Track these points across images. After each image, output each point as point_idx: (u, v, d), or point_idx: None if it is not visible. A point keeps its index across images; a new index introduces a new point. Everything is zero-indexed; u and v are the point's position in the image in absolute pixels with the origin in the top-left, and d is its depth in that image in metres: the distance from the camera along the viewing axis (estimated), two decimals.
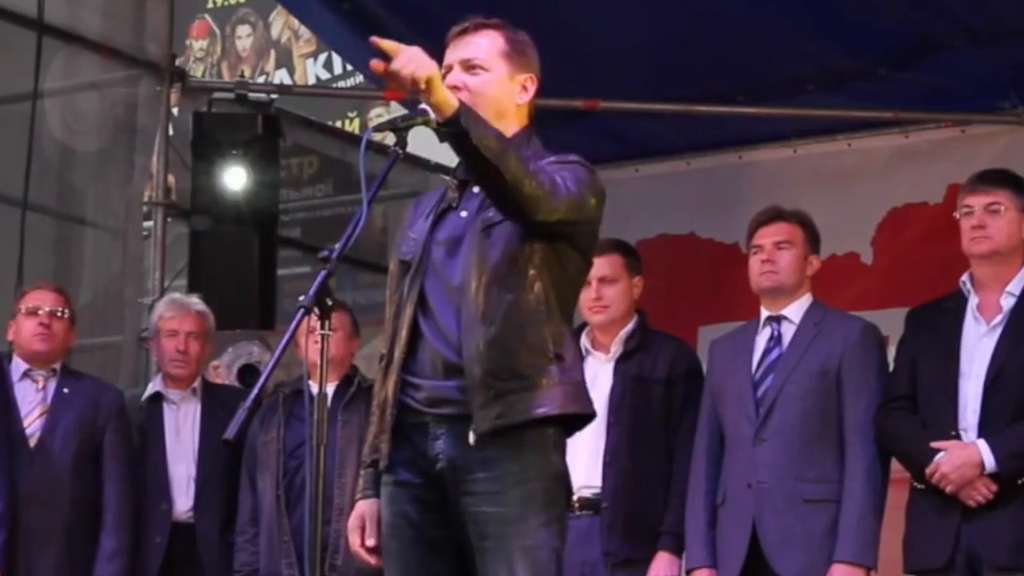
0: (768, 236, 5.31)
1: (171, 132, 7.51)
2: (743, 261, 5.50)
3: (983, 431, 4.89)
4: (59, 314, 5.89)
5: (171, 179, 7.61)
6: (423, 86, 3.55)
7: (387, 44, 3.56)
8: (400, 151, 3.79)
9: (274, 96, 7.87)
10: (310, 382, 3.83)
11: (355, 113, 12.65)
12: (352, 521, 4.00)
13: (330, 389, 5.34)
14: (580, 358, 3.93)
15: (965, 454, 4.85)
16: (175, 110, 7.61)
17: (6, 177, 6.94)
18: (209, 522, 5.99)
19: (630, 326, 5.55)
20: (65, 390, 5.88)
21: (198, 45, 13.76)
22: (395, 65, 3.54)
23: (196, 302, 6.24)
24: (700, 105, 7.33)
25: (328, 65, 12.98)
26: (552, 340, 3.76)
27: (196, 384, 6.13)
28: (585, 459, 5.28)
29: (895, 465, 5.16)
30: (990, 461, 4.82)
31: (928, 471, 4.90)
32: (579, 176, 3.80)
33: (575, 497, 5.25)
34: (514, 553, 3.71)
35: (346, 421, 5.76)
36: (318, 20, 7.93)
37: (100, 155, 7.34)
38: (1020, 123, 7.12)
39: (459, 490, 3.77)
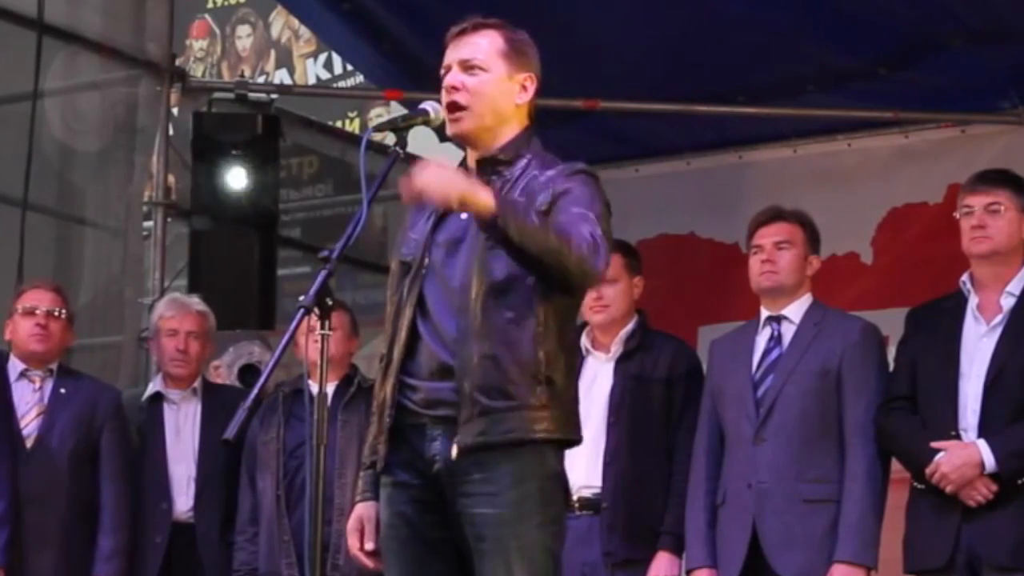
0: (768, 236, 5.31)
1: (171, 132, 7.51)
2: (743, 261, 5.50)
3: (983, 431, 4.89)
4: (56, 314, 5.87)
5: (171, 179, 7.61)
6: (457, 207, 3.58)
7: (414, 183, 3.58)
8: (400, 151, 3.80)
9: (274, 96, 7.87)
10: (310, 382, 3.83)
11: (355, 113, 12.66)
12: (351, 524, 4.00)
13: (330, 389, 5.34)
14: (575, 379, 3.91)
15: (965, 454, 4.85)
16: (175, 110, 7.61)
17: (6, 177, 6.94)
18: (209, 522, 5.99)
19: (630, 326, 5.55)
20: (62, 390, 5.86)
21: (198, 45, 13.77)
22: (423, 186, 3.56)
23: (196, 302, 6.24)
24: (700, 105, 7.33)
25: (328, 65, 12.98)
26: (545, 362, 3.75)
27: (196, 384, 6.12)
28: (585, 459, 5.28)
29: (895, 465, 5.16)
30: (990, 461, 4.82)
31: (928, 471, 4.90)
32: (596, 209, 3.77)
33: (575, 497, 5.27)
34: (511, 554, 3.71)
35: (346, 421, 5.76)
36: (318, 20, 7.94)
37: (100, 155, 7.34)
38: (1020, 123, 7.13)
39: (456, 491, 3.76)
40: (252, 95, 7.63)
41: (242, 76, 9.70)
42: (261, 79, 12.70)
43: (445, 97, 3.85)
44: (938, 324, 5.10)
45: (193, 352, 6.10)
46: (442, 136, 3.98)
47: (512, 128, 3.89)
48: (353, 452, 5.60)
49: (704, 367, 5.53)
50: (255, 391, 3.48)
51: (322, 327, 3.57)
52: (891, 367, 5.22)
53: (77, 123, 7.23)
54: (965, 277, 5.09)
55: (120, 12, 7.39)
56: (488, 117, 3.85)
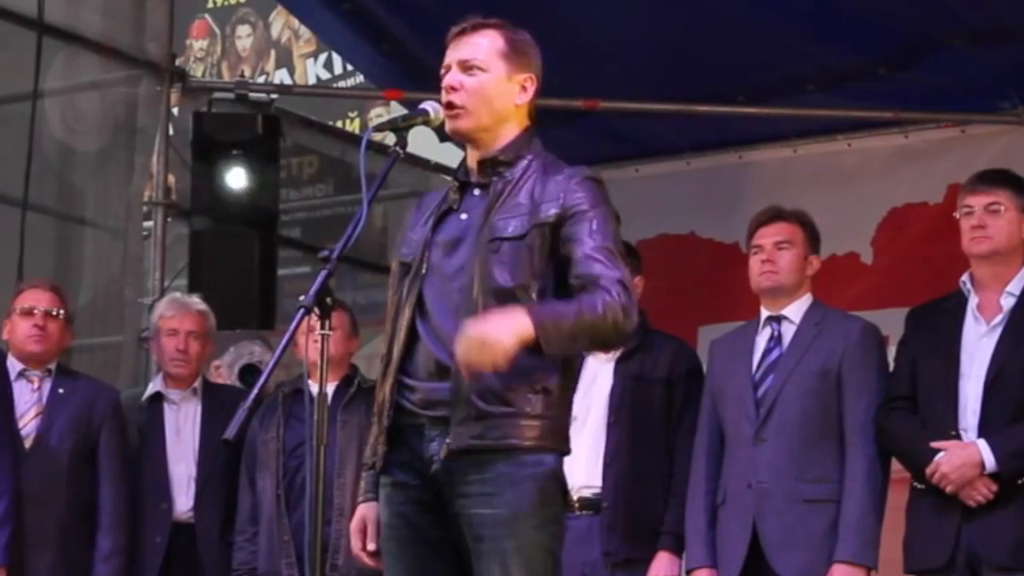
0: (768, 236, 5.31)
1: (171, 132, 7.51)
2: (743, 261, 5.50)
3: (983, 431, 4.89)
4: (54, 314, 5.85)
5: (171, 179, 7.61)
6: (504, 361, 3.59)
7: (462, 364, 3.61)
8: (400, 151, 3.80)
9: (274, 96, 7.87)
10: (310, 382, 3.83)
11: (355, 113, 12.65)
12: (354, 524, 3.99)
13: (330, 389, 5.34)
14: (571, 389, 3.92)
15: (965, 454, 4.85)
16: (175, 110, 7.61)
17: (6, 177, 6.94)
18: (209, 522, 5.98)
19: None
20: (60, 390, 5.85)
21: (198, 45, 13.76)
22: (468, 364, 3.59)
23: (196, 302, 6.24)
24: (700, 105, 7.33)
25: (328, 65, 12.98)
26: (543, 371, 3.75)
27: (196, 384, 6.12)
28: (585, 459, 5.28)
29: (895, 465, 5.16)
30: (990, 461, 4.82)
31: (928, 471, 4.90)
32: (611, 231, 3.80)
33: (575, 497, 5.27)
34: (509, 555, 3.70)
35: (346, 421, 5.76)
36: (318, 20, 7.94)
37: (100, 155, 7.34)
38: (1020, 123, 7.13)
39: (454, 492, 3.76)
40: (252, 95, 7.63)
41: (242, 76, 9.69)
42: (261, 79, 12.69)
43: (444, 97, 3.85)
44: (938, 324, 5.10)
45: (193, 352, 6.09)
46: (442, 136, 3.98)
47: (512, 128, 3.88)
48: (353, 452, 5.60)
49: (704, 367, 5.53)
50: (255, 391, 3.48)
51: (322, 327, 3.57)
52: (891, 367, 5.22)
53: (77, 123, 7.23)
54: (965, 277, 5.09)
55: (120, 12, 7.39)
56: (486, 117, 3.84)
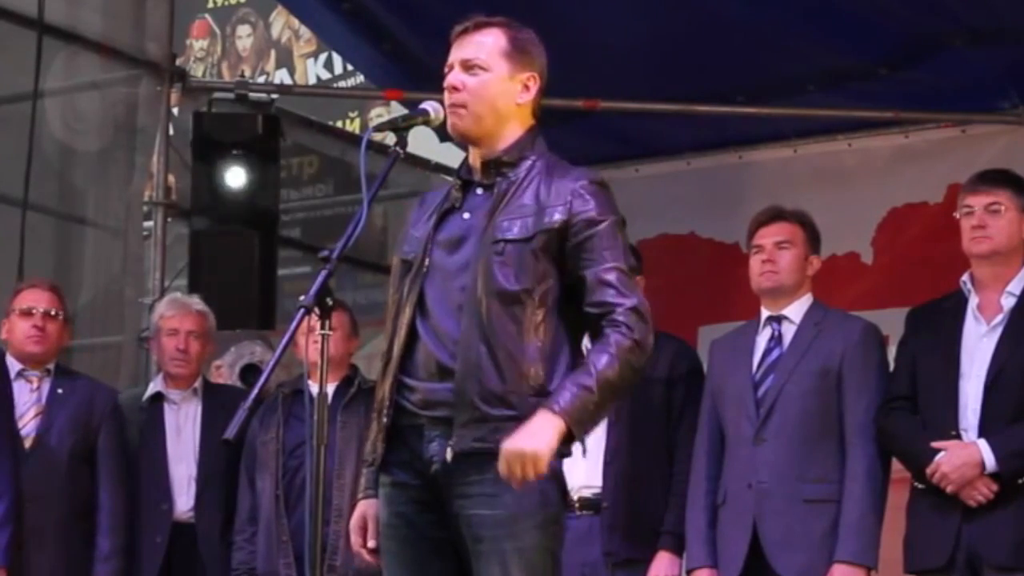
0: (768, 236, 5.31)
1: (171, 132, 7.51)
2: (743, 261, 5.50)
3: (983, 431, 4.89)
4: (53, 315, 5.85)
5: (171, 179, 7.61)
6: (545, 468, 3.64)
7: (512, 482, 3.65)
8: (400, 151, 3.80)
9: (274, 96, 7.87)
10: (310, 382, 3.83)
11: (355, 113, 12.64)
12: (354, 521, 3.98)
13: (330, 389, 5.34)
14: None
15: (965, 454, 4.85)
16: (175, 110, 7.61)
17: (6, 177, 6.94)
18: (210, 522, 5.98)
19: None
20: (59, 390, 5.85)
21: (198, 45, 13.76)
22: (513, 479, 3.63)
23: (196, 302, 6.24)
24: (700, 105, 7.33)
25: (328, 65, 12.97)
26: (545, 375, 3.75)
27: (197, 384, 6.12)
28: (585, 459, 5.27)
29: (895, 465, 5.16)
30: (990, 461, 4.82)
31: (928, 471, 4.90)
32: (621, 245, 3.85)
33: (575, 497, 5.27)
34: (509, 555, 3.70)
35: (345, 422, 5.75)
36: (318, 20, 7.94)
37: (100, 155, 7.34)
38: (1020, 123, 7.13)
39: (453, 492, 3.75)
40: (252, 95, 7.63)
41: (242, 76, 9.69)
42: (261, 79, 12.68)
43: (446, 97, 3.85)
44: (938, 324, 5.10)
45: (193, 352, 6.09)
46: (442, 136, 3.99)
47: (515, 128, 3.87)
48: (352, 453, 5.60)
49: (704, 367, 5.53)
50: (255, 391, 3.48)
51: (322, 327, 3.57)
52: (891, 367, 5.22)
53: (77, 123, 7.23)
54: (965, 277, 5.09)
55: (120, 12, 7.39)
56: (488, 117, 3.83)
